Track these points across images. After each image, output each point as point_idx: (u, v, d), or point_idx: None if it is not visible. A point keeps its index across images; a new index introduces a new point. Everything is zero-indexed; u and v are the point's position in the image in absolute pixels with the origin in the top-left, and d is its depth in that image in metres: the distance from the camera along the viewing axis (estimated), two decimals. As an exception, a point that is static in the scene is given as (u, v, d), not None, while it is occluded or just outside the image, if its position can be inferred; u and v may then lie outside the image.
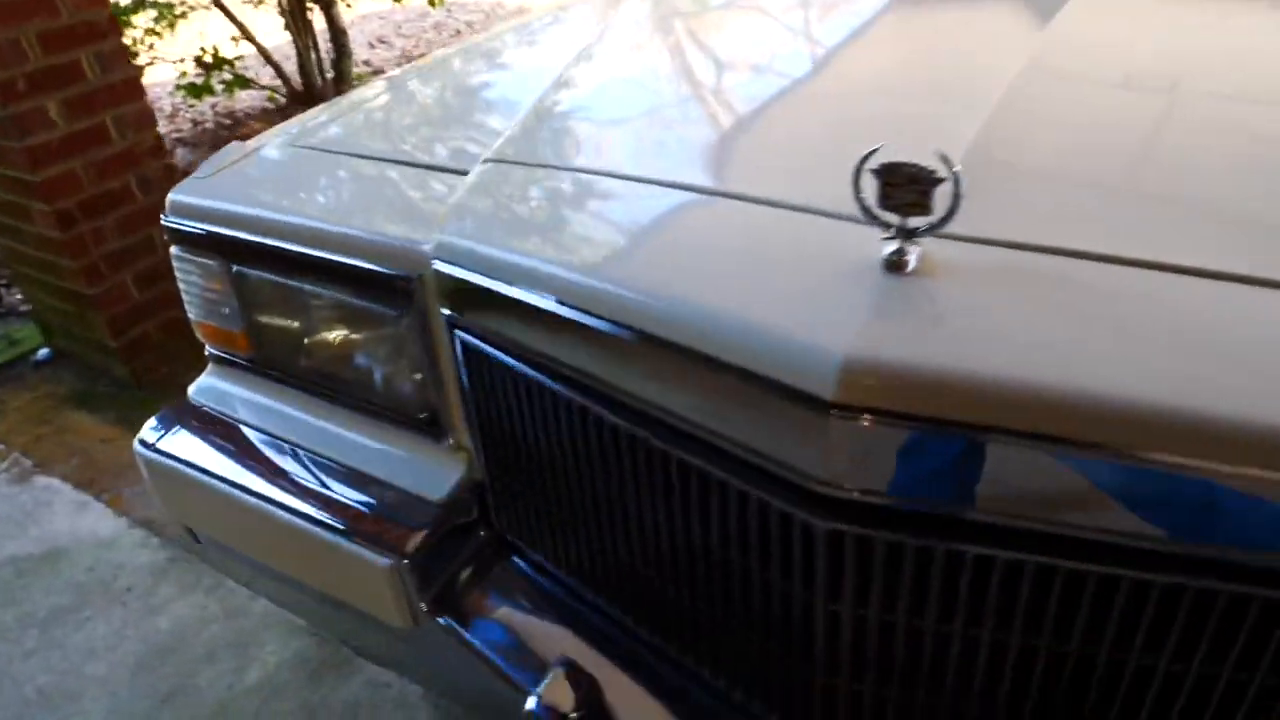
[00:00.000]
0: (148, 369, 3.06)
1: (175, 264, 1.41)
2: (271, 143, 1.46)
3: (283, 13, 5.21)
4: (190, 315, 1.47)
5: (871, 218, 0.81)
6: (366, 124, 1.50)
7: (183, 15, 5.31)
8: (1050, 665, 0.79)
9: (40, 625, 2.13)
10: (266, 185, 1.35)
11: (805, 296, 0.82)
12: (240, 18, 5.17)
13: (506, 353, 1.07)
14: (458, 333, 1.12)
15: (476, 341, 1.10)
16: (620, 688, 1.09)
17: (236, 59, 5.13)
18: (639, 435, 0.93)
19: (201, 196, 1.35)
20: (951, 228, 0.79)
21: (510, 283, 1.01)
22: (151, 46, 5.13)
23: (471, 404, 1.16)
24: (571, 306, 0.94)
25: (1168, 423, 0.67)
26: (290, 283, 1.28)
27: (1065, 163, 0.98)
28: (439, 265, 1.09)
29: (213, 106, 5.72)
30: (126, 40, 3.61)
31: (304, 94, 5.32)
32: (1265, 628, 0.71)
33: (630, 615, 1.12)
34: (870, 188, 0.80)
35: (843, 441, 0.74)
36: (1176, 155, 0.99)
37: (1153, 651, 0.75)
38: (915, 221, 0.80)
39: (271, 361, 1.39)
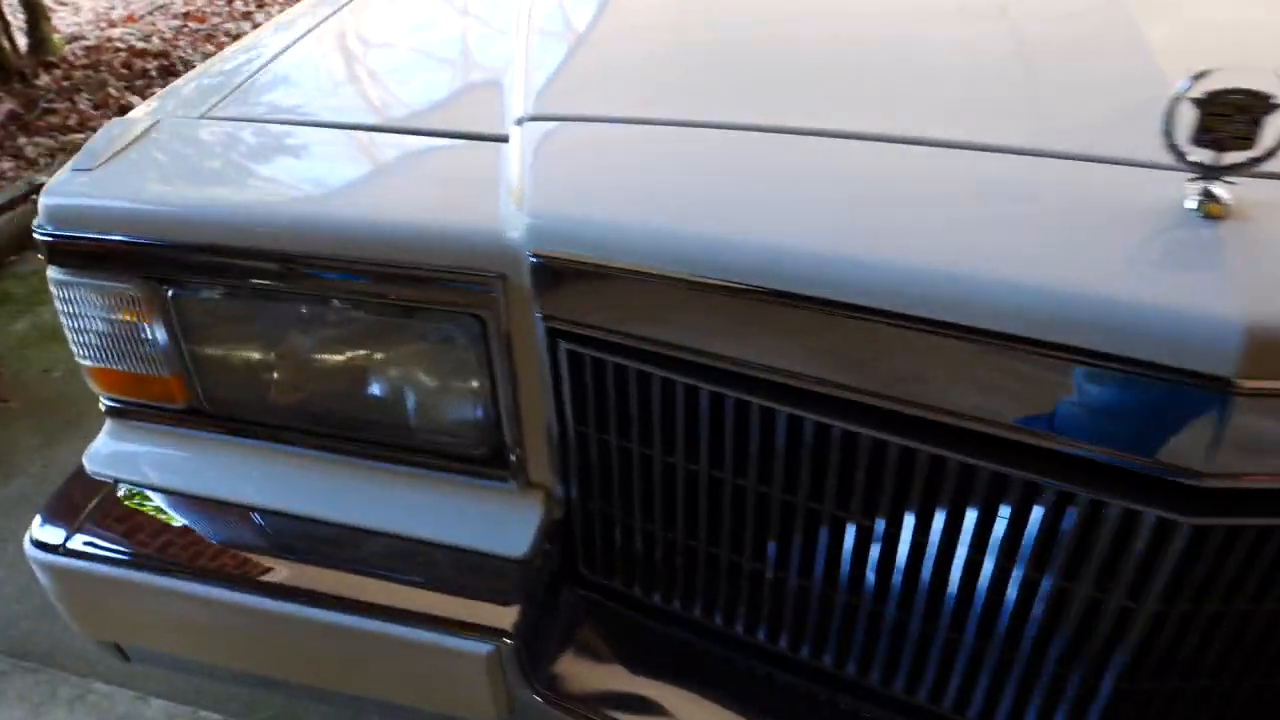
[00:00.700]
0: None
1: (56, 291, 1.01)
2: (157, 121, 1.06)
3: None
4: (80, 358, 1.06)
5: (1179, 156, 0.69)
6: (291, 88, 1.15)
7: None
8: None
9: None
10: (201, 172, 0.98)
11: (1130, 258, 0.68)
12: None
13: (642, 359, 0.84)
14: (561, 342, 0.87)
15: (589, 351, 0.86)
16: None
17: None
18: (890, 441, 0.76)
19: (101, 195, 0.96)
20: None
21: (687, 266, 0.78)
22: None
23: (570, 426, 0.92)
24: (790, 289, 0.74)
25: None
26: (281, 303, 0.94)
27: None
28: (539, 256, 0.83)
29: None
30: None
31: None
32: None
33: (815, 649, 0.94)
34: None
35: (1248, 423, 0.62)
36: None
37: None
38: (1231, 158, 0.68)
39: (228, 408, 1.04)
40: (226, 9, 5.17)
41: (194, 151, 1.02)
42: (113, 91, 4.08)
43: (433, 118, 1.05)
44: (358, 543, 1.00)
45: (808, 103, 0.96)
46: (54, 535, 1.03)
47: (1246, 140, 0.67)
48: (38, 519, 1.06)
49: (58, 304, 1.03)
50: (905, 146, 0.87)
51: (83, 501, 1.06)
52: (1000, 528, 0.76)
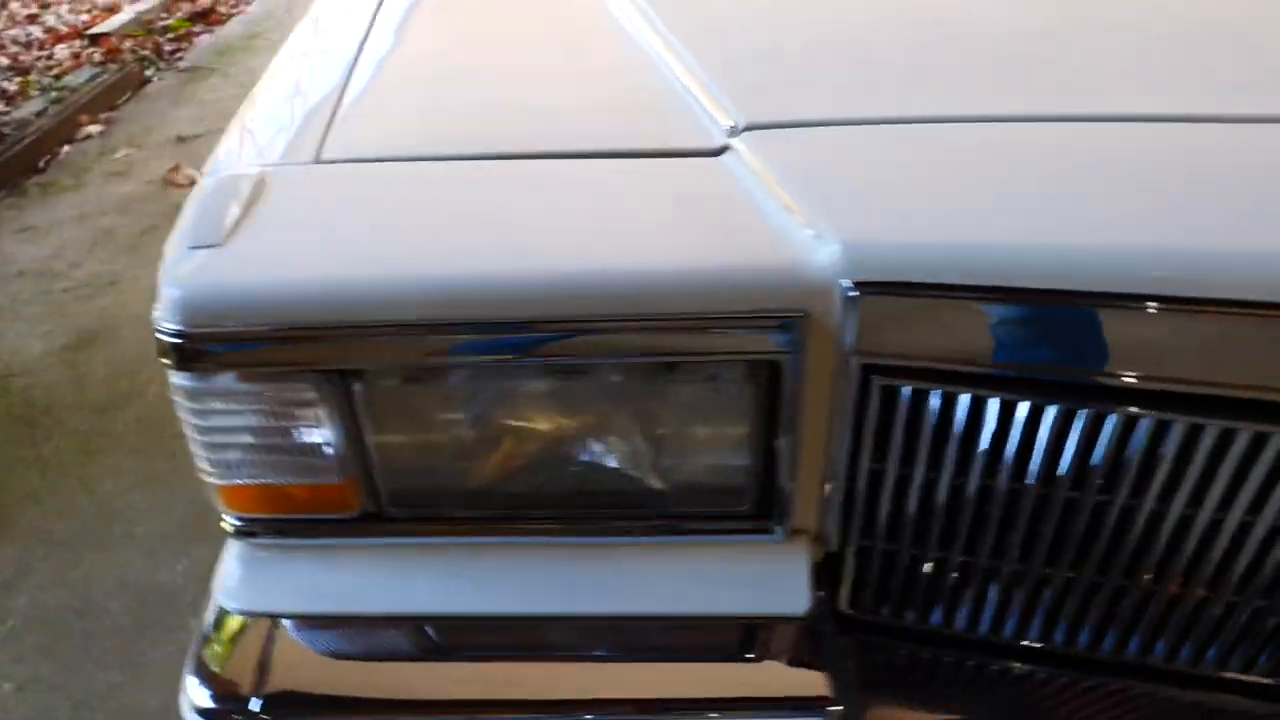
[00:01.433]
0: None
1: (186, 403, 0.80)
2: (263, 174, 0.86)
3: None
4: (211, 479, 0.86)
5: None
6: (399, 116, 0.96)
7: None
8: None
9: None
10: (370, 231, 0.79)
11: None
12: None
13: (977, 384, 0.75)
14: (875, 377, 0.77)
15: (910, 383, 0.76)
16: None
17: None
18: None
19: (249, 274, 0.76)
20: None
21: (1039, 279, 0.70)
22: None
23: (864, 465, 0.82)
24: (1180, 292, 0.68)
25: None
26: (508, 377, 0.79)
27: None
28: (857, 285, 0.72)
29: None
30: None
31: None
32: None
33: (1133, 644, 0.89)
34: None
35: None
36: None
37: None
38: None
39: (425, 506, 0.87)
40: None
41: (337, 206, 0.83)
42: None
43: (601, 137, 0.90)
44: (615, 634, 0.87)
45: (1013, 87, 0.90)
46: (227, 703, 0.84)
47: None
48: (191, 681, 0.86)
49: (187, 418, 0.82)
50: (1152, 124, 0.83)
51: (248, 651, 0.86)
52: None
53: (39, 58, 4.55)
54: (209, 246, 0.78)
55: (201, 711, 0.84)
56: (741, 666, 0.85)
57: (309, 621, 0.89)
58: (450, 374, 0.80)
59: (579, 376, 0.79)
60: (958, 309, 0.72)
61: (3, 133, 3.66)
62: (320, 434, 0.82)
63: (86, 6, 5.15)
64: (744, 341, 0.76)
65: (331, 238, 0.79)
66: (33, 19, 5.01)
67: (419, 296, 0.75)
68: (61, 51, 4.61)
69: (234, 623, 0.89)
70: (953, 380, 0.76)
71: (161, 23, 5.03)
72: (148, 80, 4.40)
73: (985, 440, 0.78)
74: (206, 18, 5.21)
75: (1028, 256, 0.72)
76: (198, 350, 0.77)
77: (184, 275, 0.76)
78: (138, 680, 1.64)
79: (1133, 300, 0.70)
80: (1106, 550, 0.83)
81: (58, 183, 3.44)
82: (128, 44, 4.69)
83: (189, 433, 0.84)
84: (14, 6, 5.11)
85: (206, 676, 0.85)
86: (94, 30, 4.79)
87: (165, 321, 0.76)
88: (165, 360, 0.79)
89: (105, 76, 4.27)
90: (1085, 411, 0.75)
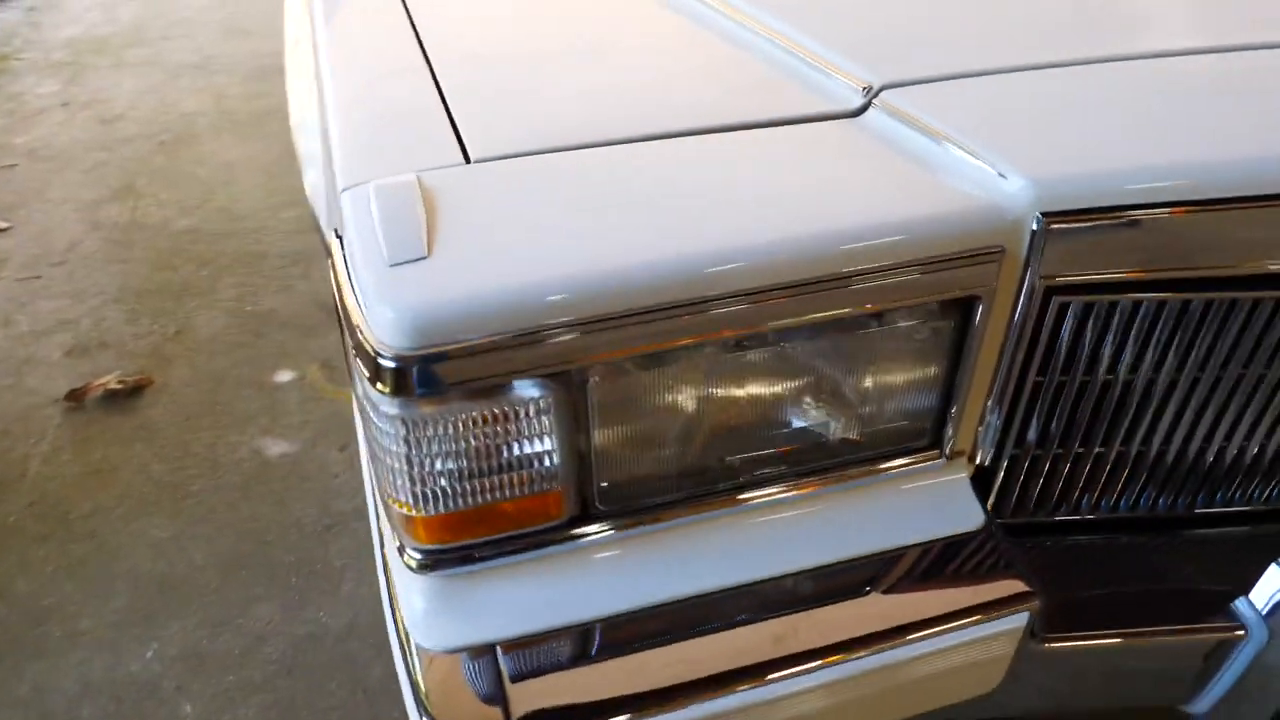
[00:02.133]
0: None
1: (400, 431, 0.75)
2: (415, 182, 0.80)
3: None
4: (415, 512, 0.80)
5: None
6: (533, 112, 0.92)
7: None
8: None
9: None
10: (572, 224, 0.77)
11: None
12: None
13: (1146, 289, 0.85)
14: (1055, 297, 0.85)
15: (1086, 298, 0.85)
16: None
17: None
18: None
19: (479, 284, 0.72)
20: None
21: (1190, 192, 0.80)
22: None
23: (1029, 380, 0.90)
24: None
25: None
26: (729, 350, 0.79)
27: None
28: (1048, 215, 0.80)
29: None
30: None
31: None
32: None
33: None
34: None
35: None
36: None
37: None
38: None
39: (633, 497, 0.86)
40: None
41: (519, 203, 0.80)
42: None
43: (732, 111, 0.92)
44: (824, 581, 0.90)
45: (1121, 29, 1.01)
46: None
47: None
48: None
49: (393, 448, 0.76)
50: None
51: (478, 687, 0.82)
52: None
53: None
54: (415, 260, 0.73)
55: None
56: (944, 586, 0.91)
57: (527, 638, 0.86)
58: (674, 355, 0.80)
59: (792, 340, 0.82)
60: (1136, 225, 0.81)
61: None
62: (544, 441, 0.79)
63: None
64: (948, 283, 0.81)
65: (535, 234, 0.76)
66: None
67: (650, 281, 0.75)
68: None
69: (445, 664, 0.84)
70: (1127, 289, 0.85)
71: None
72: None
73: (1156, 335, 0.88)
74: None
75: (1193, 170, 0.82)
76: (426, 371, 0.72)
77: (401, 294, 0.71)
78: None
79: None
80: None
81: None
82: None
83: (389, 466, 0.78)
84: None
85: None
86: None
87: (387, 346, 0.71)
88: (380, 388, 0.73)
89: None
90: (1243, 300, 0.86)
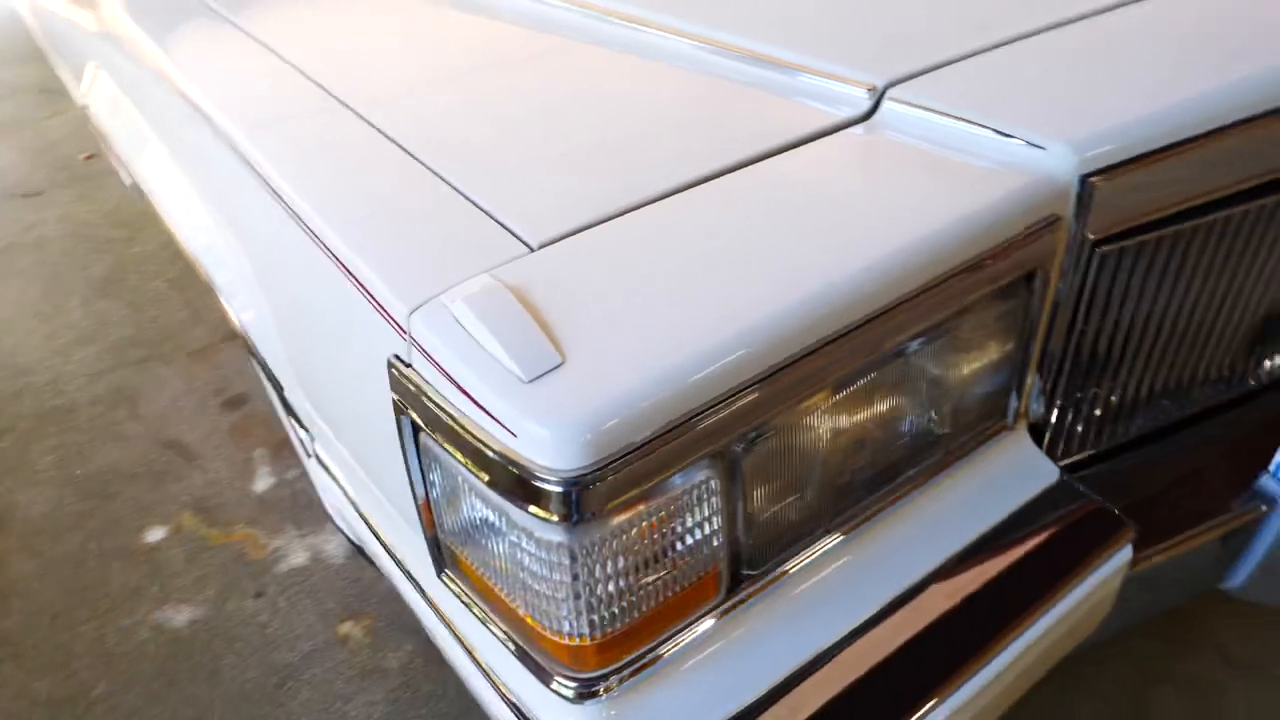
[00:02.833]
0: None
1: (575, 561, 0.66)
2: (484, 278, 0.71)
3: None
4: (589, 639, 0.71)
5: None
6: (561, 182, 0.83)
7: None
8: None
9: None
10: (660, 297, 0.71)
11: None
12: None
13: (1184, 218, 0.90)
14: (1097, 250, 0.89)
15: (1128, 242, 0.89)
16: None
17: None
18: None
19: (634, 380, 0.64)
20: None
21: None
22: None
23: (1078, 329, 0.94)
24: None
25: None
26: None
27: None
28: (1092, 174, 0.83)
29: None
30: None
31: None
32: None
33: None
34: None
35: None
36: None
37: None
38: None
39: (777, 556, 0.81)
40: None
41: (608, 280, 0.73)
42: None
43: (743, 144, 0.89)
44: (958, 572, 0.90)
45: None
46: None
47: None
48: None
49: (562, 578, 0.67)
50: None
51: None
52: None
53: None
54: (553, 370, 0.64)
55: None
56: (1057, 540, 0.94)
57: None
58: (825, 400, 0.76)
59: (903, 351, 0.81)
60: (1169, 164, 0.86)
61: None
62: (712, 523, 0.73)
63: None
64: (1019, 261, 0.84)
65: (659, 307, 0.70)
66: None
67: (784, 333, 0.70)
68: None
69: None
70: (1165, 223, 0.90)
71: None
72: None
73: (1205, 258, 0.94)
74: None
75: (1213, 98, 0.87)
76: (598, 487, 0.64)
77: (554, 410, 0.62)
78: None
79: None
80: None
81: None
82: None
83: (547, 597, 0.68)
84: None
85: None
86: None
87: (550, 469, 0.62)
88: (547, 518, 0.64)
89: None
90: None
